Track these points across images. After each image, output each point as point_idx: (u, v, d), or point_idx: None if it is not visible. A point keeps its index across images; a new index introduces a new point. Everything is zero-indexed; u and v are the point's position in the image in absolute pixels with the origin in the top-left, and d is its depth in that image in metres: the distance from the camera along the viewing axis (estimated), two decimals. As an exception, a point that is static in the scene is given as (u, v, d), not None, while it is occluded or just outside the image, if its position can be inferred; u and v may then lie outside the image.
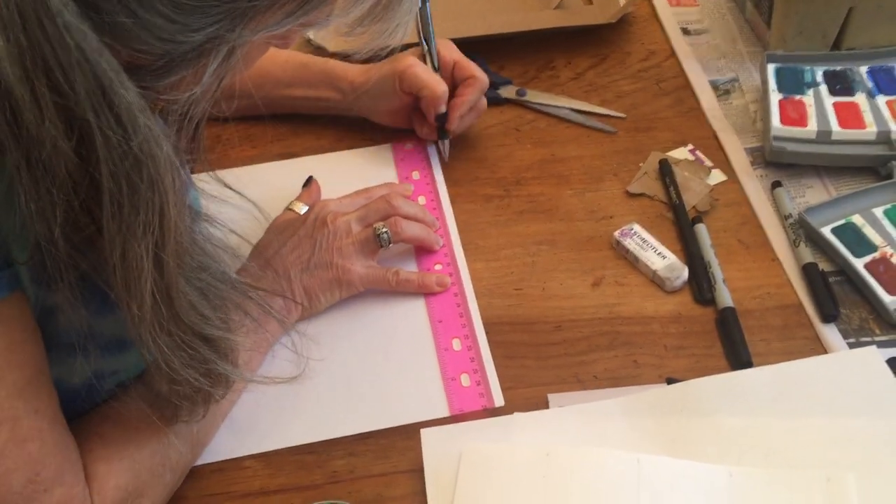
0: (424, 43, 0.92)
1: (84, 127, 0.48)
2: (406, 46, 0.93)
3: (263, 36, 0.55)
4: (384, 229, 0.81)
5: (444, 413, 0.74)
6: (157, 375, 0.59)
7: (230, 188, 0.63)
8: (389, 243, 0.81)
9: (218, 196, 0.64)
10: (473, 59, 1.04)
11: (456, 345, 0.79)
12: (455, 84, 0.93)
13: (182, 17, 0.50)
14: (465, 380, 0.76)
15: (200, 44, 0.52)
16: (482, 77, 0.92)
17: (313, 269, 0.79)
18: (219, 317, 0.60)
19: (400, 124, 0.97)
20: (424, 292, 0.83)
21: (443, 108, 0.91)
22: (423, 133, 0.96)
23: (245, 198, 0.64)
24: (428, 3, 0.90)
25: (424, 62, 0.92)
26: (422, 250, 0.86)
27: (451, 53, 0.93)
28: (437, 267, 0.85)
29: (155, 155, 0.50)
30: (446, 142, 0.94)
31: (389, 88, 0.92)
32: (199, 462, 0.71)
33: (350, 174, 0.93)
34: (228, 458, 0.72)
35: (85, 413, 0.65)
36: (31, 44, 0.45)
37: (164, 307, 0.55)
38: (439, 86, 0.90)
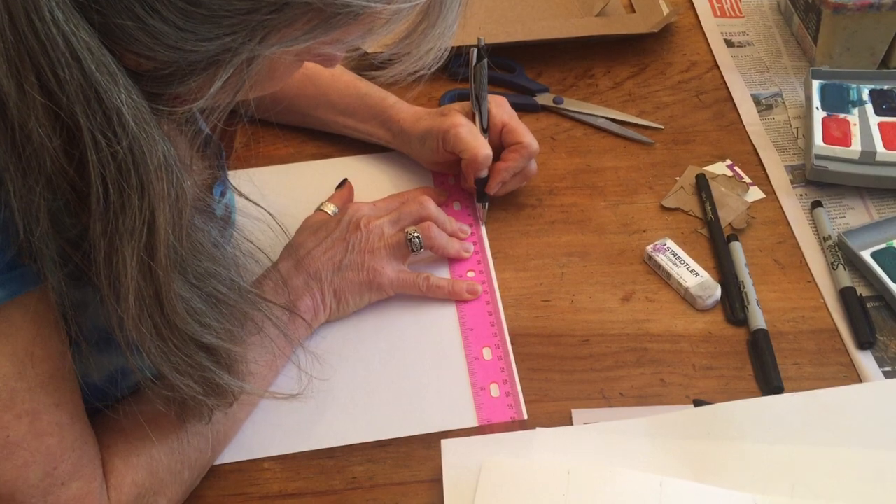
0: (475, 101, 0.87)
1: (73, 126, 0.47)
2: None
3: (282, 51, 0.52)
4: (416, 234, 0.80)
5: (472, 423, 0.73)
6: (146, 381, 0.58)
7: (246, 197, 0.62)
8: (420, 248, 0.81)
9: (241, 207, 0.63)
10: (511, 66, 1.03)
11: (486, 354, 0.78)
12: (502, 147, 0.87)
13: (191, 25, 0.48)
14: (494, 390, 0.75)
15: (214, 54, 0.50)
16: (531, 143, 0.86)
17: (344, 270, 0.78)
18: (223, 327, 0.58)
19: (445, 171, 0.93)
20: (454, 299, 0.82)
21: (484, 173, 0.86)
22: (466, 186, 0.90)
23: (261, 207, 0.62)
24: (486, 60, 0.85)
25: (473, 119, 0.87)
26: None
27: (502, 114, 0.88)
28: (470, 274, 0.84)
29: (146, 161, 0.49)
30: (485, 206, 0.88)
31: (433, 144, 0.88)
32: (219, 461, 0.71)
33: (385, 177, 0.93)
34: (248, 458, 0.72)
35: (106, 409, 0.65)
36: (18, 38, 0.44)
37: (154, 312, 0.54)
38: (482, 150, 0.84)
